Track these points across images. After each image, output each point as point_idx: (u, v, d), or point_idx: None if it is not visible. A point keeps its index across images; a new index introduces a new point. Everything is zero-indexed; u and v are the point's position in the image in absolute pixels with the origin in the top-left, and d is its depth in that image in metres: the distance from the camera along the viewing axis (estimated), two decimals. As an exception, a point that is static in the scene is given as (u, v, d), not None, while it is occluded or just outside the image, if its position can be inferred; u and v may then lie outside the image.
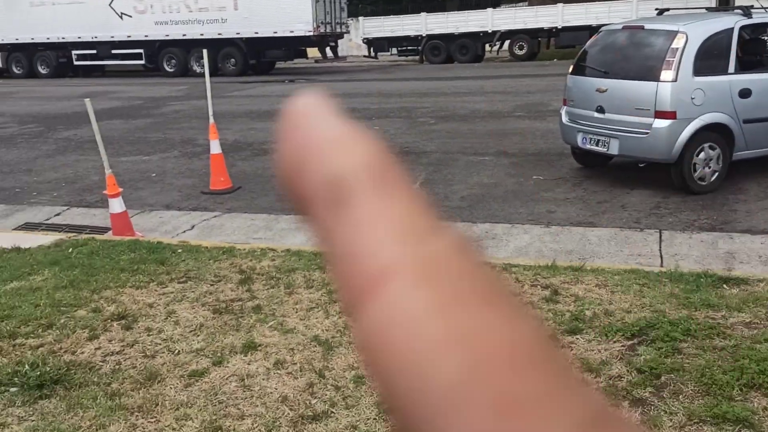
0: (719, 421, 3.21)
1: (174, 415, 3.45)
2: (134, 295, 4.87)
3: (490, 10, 26.87)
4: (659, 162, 7.11)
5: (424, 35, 27.20)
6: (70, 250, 5.86)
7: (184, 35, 24.57)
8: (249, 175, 8.79)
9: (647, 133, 6.93)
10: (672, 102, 6.80)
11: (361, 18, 29.03)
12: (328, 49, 25.34)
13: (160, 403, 3.55)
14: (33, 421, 3.48)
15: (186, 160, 10.01)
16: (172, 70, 25.11)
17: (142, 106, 16.56)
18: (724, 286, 4.62)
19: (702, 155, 6.99)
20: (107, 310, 4.66)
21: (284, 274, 5.17)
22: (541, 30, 25.86)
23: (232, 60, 24.42)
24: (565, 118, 7.95)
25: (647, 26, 7.47)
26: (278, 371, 3.81)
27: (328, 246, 0.26)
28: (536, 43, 26.45)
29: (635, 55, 7.33)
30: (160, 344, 4.18)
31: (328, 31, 24.44)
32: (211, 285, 4.99)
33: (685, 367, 3.65)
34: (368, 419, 3.35)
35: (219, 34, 24.10)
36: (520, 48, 26.34)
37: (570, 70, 8.08)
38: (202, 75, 8.18)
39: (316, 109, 0.29)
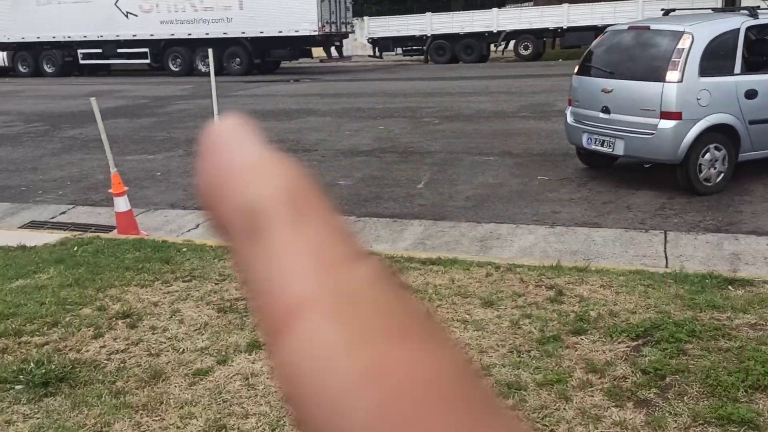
0: (724, 423, 3.20)
1: (178, 413, 3.46)
2: (139, 294, 4.88)
3: (495, 10, 26.85)
4: (664, 163, 7.10)
5: (429, 35, 27.19)
6: (76, 248, 5.88)
7: (189, 34, 24.61)
8: (254, 174, 8.79)
9: (653, 133, 6.92)
10: (678, 103, 6.79)
11: (366, 18, 29.03)
12: (333, 49, 25.37)
13: (164, 402, 3.55)
14: (38, 418, 3.49)
15: (191, 159, 10.02)
16: (177, 69, 25.16)
17: (148, 105, 16.59)
18: (730, 287, 4.61)
19: (707, 156, 6.97)
20: (112, 308, 4.67)
21: (289, 274, 5.18)
22: (546, 30, 25.82)
23: (237, 59, 24.45)
24: (570, 119, 7.94)
25: (653, 27, 7.45)
26: (282, 370, 3.81)
27: (245, 276, 0.25)
28: (541, 44, 26.41)
29: (641, 56, 7.32)
30: (164, 343, 4.19)
31: (333, 30, 24.46)
32: (216, 284, 5.00)
33: (690, 369, 3.65)
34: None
35: (224, 33, 24.13)
36: (525, 48, 26.31)
37: (575, 70, 8.07)
38: (207, 74, 8.20)
39: (234, 133, 0.27)
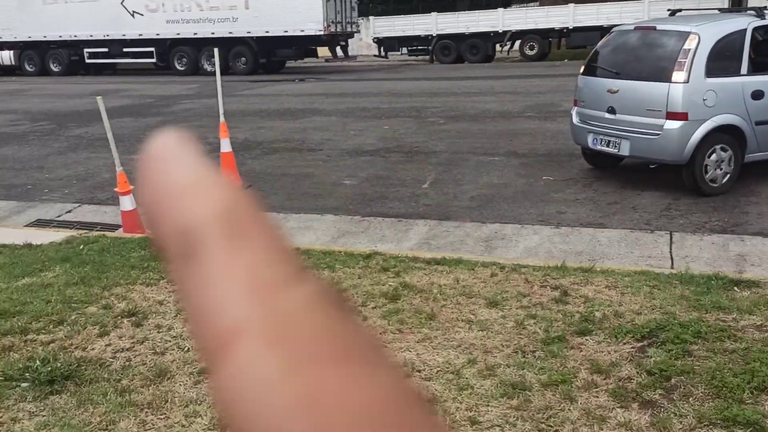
0: (729, 424, 3.20)
1: (183, 411, 3.47)
2: (144, 292, 4.90)
3: (500, 10, 26.81)
4: (670, 163, 7.08)
5: (434, 35, 27.17)
6: (81, 247, 5.89)
7: (195, 34, 24.65)
8: (259, 173, 8.81)
9: (658, 134, 6.90)
10: (684, 103, 6.77)
11: (371, 17, 29.03)
12: (338, 49, 25.38)
13: (169, 400, 3.56)
14: (44, 416, 3.51)
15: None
16: (183, 69, 25.21)
17: (153, 104, 16.63)
18: (735, 288, 4.60)
19: (713, 157, 6.95)
20: (118, 306, 4.68)
21: (294, 273, 5.18)
22: (552, 30, 25.77)
23: (243, 59, 24.48)
24: (575, 119, 7.92)
25: (659, 27, 7.43)
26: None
27: (183, 299, 0.24)
28: (547, 44, 26.36)
29: (647, 56, 7.30)
30: (169, 341, 4.20)
31: (338, 30, 24.47)
32: (221, 283, 5.00)
33: (695, 370, 3.64)
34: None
35: (230, 32, 24.17)
36: (531, 48, 26.26)
37: (581, 70, 8.06)
38: (213, 73, 8.21)
39: (172, 152, 0.27)
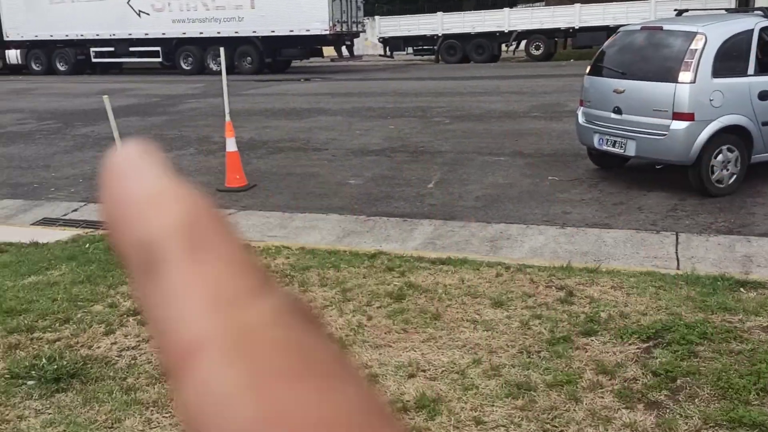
0: (735, 426, 3.19)
1: (189, 410, 3.47)
2: (150, 291, 4.90)
3: (506, 9, 26.78)
4: (676, 164, 7.06)
5: (440, 35, 27.16)
6: (87, 245, 5.91)
7: (201, 33, 24.70)
8: (264, 173, 8.82)
9: (665, 134, 6.88)
10: (690, 103, 6.75)
11: (377, 17, 29.03)
12: (343, 48, 25.38)
13: (175, 399, 3.57)
14: (50, 414, 3.52)
15: (202, 157, 10.06)
16: (188, 68, 25.26)
17: (159, 103, 16.67)
18: (741, 289, 4.59)
19: (720, 157, 6.93)
20: (123, 305, 4.70)
21: (298, 272, 5.19)
22: (557, 30, 25.73)
23: (249, 58, 24.52)
24: (581, 119, 7.91)
25: (666, 27, 7.41)
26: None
27: (145, 312, 0.24)
28: (553, 44, 26.33)
29: (653, 56, 7.28)
30: (175, 340, 4.20)
31: (344, 30, 24.48)
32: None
33: (701, 371, 3.63)
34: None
35: (236, 32, 24.20)
36: (537, 48, 26.23)
37: (587, 70, 8.04)
38: (219, 73, 8.23)
39: (135, 162, 0.26)
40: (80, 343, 4.21)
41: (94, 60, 26.61)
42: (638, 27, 7.83)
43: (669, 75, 6.89)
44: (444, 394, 3.54)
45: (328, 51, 25.96)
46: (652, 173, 7.69)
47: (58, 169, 9.61)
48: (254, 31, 24.02)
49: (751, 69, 6.94)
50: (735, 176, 7.03)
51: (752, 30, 6.98)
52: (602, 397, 3.49)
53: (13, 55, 27.46)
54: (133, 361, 3.99)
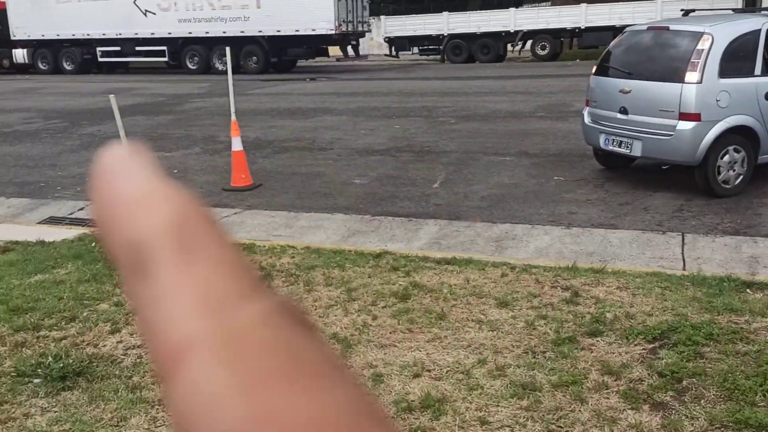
0: (741, 427, 3.18)
1: (194, 409, 3.48)
2: (156, 290, 4.91)
3: (512, 9, 26.75)
4: (683, 164, 7.04)
5: (445, 34, 27.15)
6: (93, 244, 5.93)
7: (207, 33, 24.76)
8: (269, 172, 8.83)
9: (671, 135, 6.86)
10: (697, 104, 6.73)
11: (382, 17, 29.04)
12: (349, 48, 25.40)
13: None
14: (56, 412, 3.53)
15: (207, 156, 10.08)
16: (194, 68, 25.32)
17: (165, 102, 16.70)
18: (748, 290, 4.57)
19: (726, 158, 6.91)
20: (129, 304, 4.70)
21: (304, 272, 5.20)
22: (563, 30, 25.69)
23: (254, 58, 24.56)
24: (587, 119, 7.89)
25: (672, 27, 7.39)
26: (297, 368, 3.82)
27: (136, 313, 0.24)
28: (559, 44, 26.28)
29: (660, 56, 7.26)
30: (180, 339, 4.21)
31: (349, 29, 24.50)
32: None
33: (707, 372, 3.62)
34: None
35: (241, 32, 24.24)
36: (542, 48, 26.19)
37: (593, 70, 8.02)
38: (225, 72, 8.23)
39: (125, 163, 0.26)
40: (86, 342, 4.22)
41: (100, 59, 26.69)
42: (645, 27, 7.81)
43: (675, 75, 6.87)
44: (449, 394, 3.54)
45: (334, 51, 25.99)
46: (658, 174, 7.67)
47: (64, 168, 9.64)
48: (260, 31, 24.06)
49: (758, 69, 6.91)
50: (741, 177, 7.01)
51: (759, 30, 6.96)
52: (608, 398, 3.48)
53: (20, 55, 27.57)
54: (138, 360, 4.00)
